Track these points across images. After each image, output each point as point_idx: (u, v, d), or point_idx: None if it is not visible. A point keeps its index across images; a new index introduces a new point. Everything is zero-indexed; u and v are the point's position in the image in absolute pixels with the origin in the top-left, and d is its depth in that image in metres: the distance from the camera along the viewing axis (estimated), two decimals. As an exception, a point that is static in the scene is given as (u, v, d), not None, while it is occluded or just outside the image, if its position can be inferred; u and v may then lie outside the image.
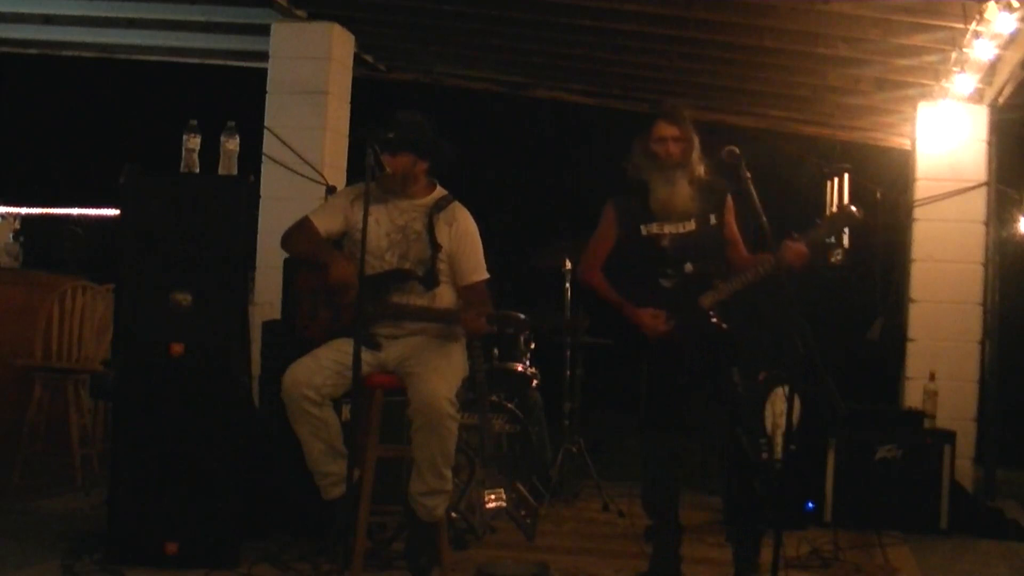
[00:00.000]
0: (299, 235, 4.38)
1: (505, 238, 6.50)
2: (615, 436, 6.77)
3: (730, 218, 4.45)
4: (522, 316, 5.96)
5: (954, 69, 6.00)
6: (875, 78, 6.67)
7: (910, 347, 6.69)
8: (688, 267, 4.34)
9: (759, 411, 6.08)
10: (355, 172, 6.60)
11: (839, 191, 6.99)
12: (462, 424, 4.28)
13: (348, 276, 4.18)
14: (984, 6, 5.19)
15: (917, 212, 6.71)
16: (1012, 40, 5.57)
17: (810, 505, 5.89)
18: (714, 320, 4.32)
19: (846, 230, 6.16)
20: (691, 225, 4.36)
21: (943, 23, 5.66)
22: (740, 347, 4.41)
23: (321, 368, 4.11)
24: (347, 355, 3.91)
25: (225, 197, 4.54)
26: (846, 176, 6.96)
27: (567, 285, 6.27)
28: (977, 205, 6.63)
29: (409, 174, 4.31)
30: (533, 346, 6.33)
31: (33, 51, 7.95)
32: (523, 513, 4.97)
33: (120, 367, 4.58)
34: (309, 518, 4.72)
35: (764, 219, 3.98)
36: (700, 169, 4.40)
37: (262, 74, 6.84)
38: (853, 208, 4.33)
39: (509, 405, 5.70)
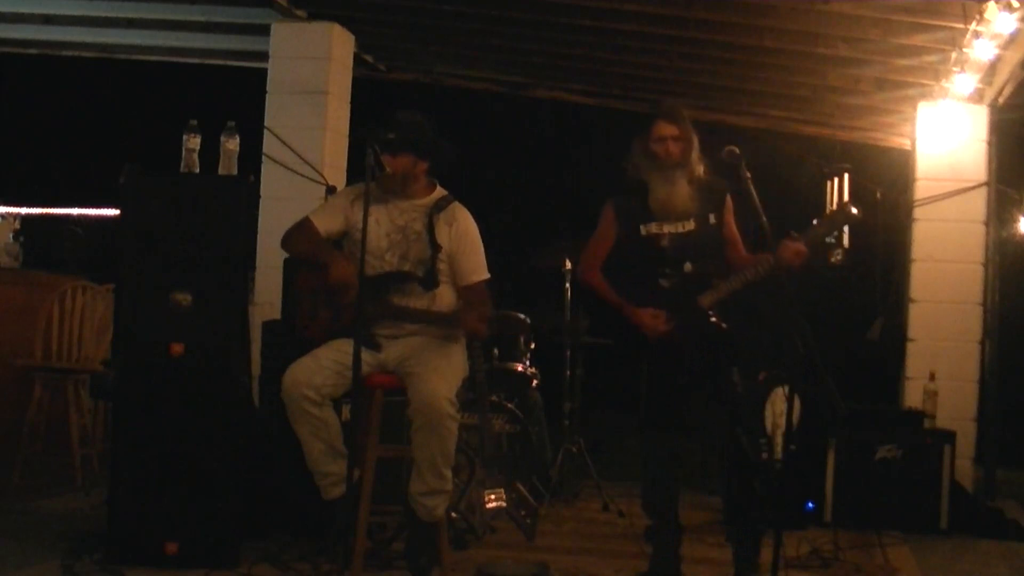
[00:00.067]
0: (299, 235, 4.38)
1: (505, 238, 6.50)
2: (615, 436, 6.77)
3: (729, 218, 4.45)
4: (522, 316, 5.99)
5: (954, 69, 6.01)
6: (875, 78, 6.67)
7: (910, 347, 6.69)
8: (687, 267, 4.34)
9: (759, 411, 6.08)
10: (355, 172, 6.60)
11: (839, 191, 6.99)
12: (462, 424, 4.28)
13: (348, 276, 4.18)
14: (984, 6, 5.19)
15: (917, 212, 6.71)
16: (1012, 40, 5.57)
17: (810, 505, 5.89)
18: (713, 320, 4.32)
19: (846, 230, 6.18)
20: (690, 225, 4.36)
21: (943, 23, 5.66)
22: (740, 347, 4.41)
23: (321, 368, 4.11)
24: (347, 355, 3.91)
25: (225, 197, 4.54)
26: (846, 176, 6.96)
27: (567, 285, 6.27)
28: (977, 205, 6.63)
29: (409, 174, 4.31)
30: (533, 346, 6.33)
31: (33, 51, 7.95)
32: (523, 513, 4.97)
33: (120, 367, 4.58)
34: (309, 518, 4.72)
35: (764, 219, 3.98)
36: (699, 169, 4.40)
37: (262, 74, 6.84)
38: (851, 207, 4.33)
39: (509, 405, 5.70)
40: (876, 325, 7.28)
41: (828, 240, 4.42)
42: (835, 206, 6.51)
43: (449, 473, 4.19)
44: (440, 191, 4.42)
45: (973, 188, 6.62)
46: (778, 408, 6.07)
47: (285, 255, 4.60)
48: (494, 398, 5.61)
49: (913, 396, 6.51)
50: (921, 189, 6.72)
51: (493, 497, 4.96)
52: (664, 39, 6.60)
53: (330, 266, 4.24)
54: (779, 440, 6.02)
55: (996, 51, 5.65)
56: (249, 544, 4.51)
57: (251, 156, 5.63)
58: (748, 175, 4.00)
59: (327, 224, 4.36)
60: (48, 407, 6.10)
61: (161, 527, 4.36)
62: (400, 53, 7.66)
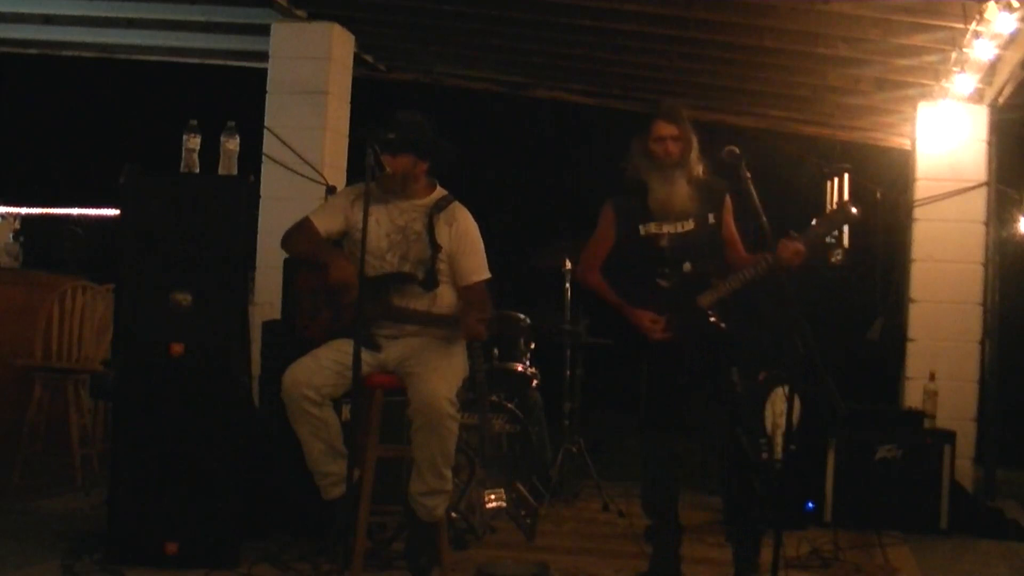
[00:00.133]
0: (299, 235, 4.38)
1: (505, 238, 6.49)
2: (615, 436, 6.77)
3: (728, 218, 4.46)
4: (522, 316, 5.99)
5: (954, 69, 6.01)
6: (875, 78, 6.67)
7: (910, 347, 6.69)
8: (687, 267, 4.34)
9: (759, 411, 6.09)
10: (355, 172, 6.60)
11: (839, 191, 6.99)
12: (462, 424, 4.28)
13: (348, 276, 4.18)
14: (984, 6, 5.19)
15: (917, 212, 6.71)
16: (1012, 40, 5.57)
17: (810, 505, 5.89)
18: (712, 320, 4.32)
19: (846, 229, 6.18)
20: (690, 224, 4.36)
21: (943, 23, 5.66)
22: (740, 347, 4.41)
23: (321, 368, 4.11)
24: (347, 355, 3.91)
25: (225, 197, 4.54)
26: (846, 176, 6.97)
27: (567, 285, 6.27)
28: (977, 205, 6.63)
29: (409, 174, 4.31)
30: (533, 346, 6.33)
31: (33, 51, 7.95)
32: (523, 513, 4.97)
33: (120, 367, 4.58)
34: (309, 518, 4.72)
35: (764, 219, 3.99)
36: (699, 168, 4.40)
37: (262, 74, 6.84)
38: (851, 206, 4.33)
39: (509, 405, 5.70)
40: (876, 325, 7.28)
41: (828, 240, 4.43)
42: (835, 206, 6.51)
43: (449, 473, 4.19)
44: (440, 191, 4.42)
45: (973, 188, 6.62)
46: (778, 408, 6.07)
47: (285, 255, 4.60)
48: (494, 398, 5.61)
49: (913, 396, 6.51)
50: (921, 189, 6.72)
51: (493, 497, 4.96)
52: (664, 39, 6.60)
53: (330, 266, 4.24)
54: (779, 440, 6.02)
55: (996, 51, 5.65)
56: (249, 544, 4.51)
57: (251, 156, 5.63)
58: (748, 175, 4.00)
59: (327, 224, 4.36)
60: (48, 407, 6.10)
61: (161, 527, 4.36)
62: (400, 53, 7.66)
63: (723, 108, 7.66)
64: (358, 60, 7.20)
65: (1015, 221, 7.30)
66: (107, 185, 5.02)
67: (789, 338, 3.88)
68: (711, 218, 4.38)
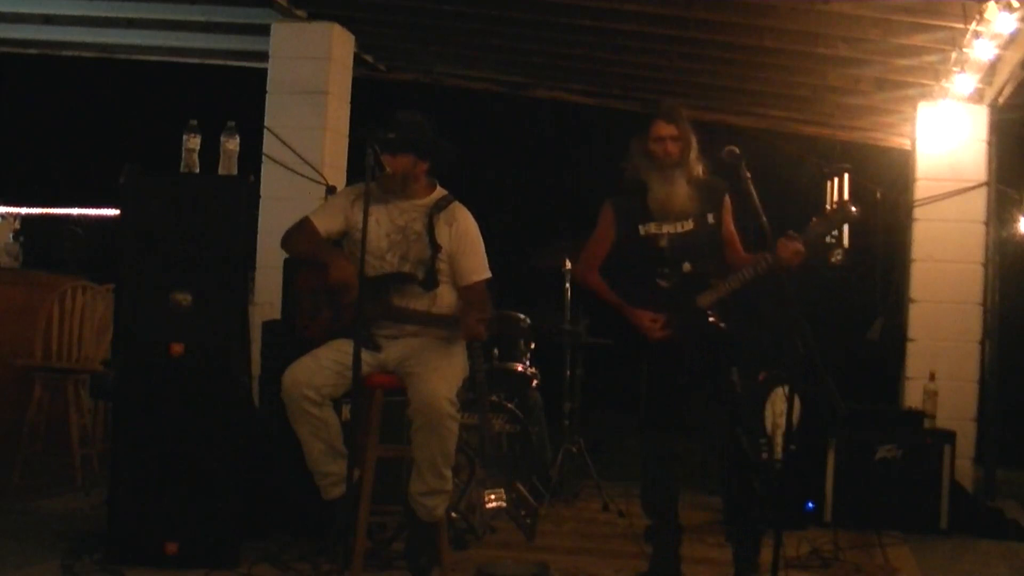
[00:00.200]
0: (299, 235, 4.38)
1: (505, 238, 6.48)
2: (615, 436, 6.77)
3: (728, 218, 4.46)
4: (522, 316, 5.99)
5: (954, 69, 6.01)
6: (875, 78, 6.67)
7: (910, 347, 6.69)
8: (686, 267, 4.34)
9: (759, 411, 6.09)
10: (355, 172, 6.60)
11: (839, 191, 6.99)
12: (462, 424, 4.28)
13: (348, 277, 4.18)
14: (984, 6, 5.19)
15: (917, 212, 6.71)
16: (1012, 40, 5.57)
17: (810, 505, 5.89)
18: (712, 320, 4.32)
19: (846, 229, 6.18)
20: (689, 224, 4.36)
21: (943, 23, 5.66)
22: (740, 347, 4.41)
23: (321, 368, 4.11)
24: (347, 355, 3.92)
25: (225, 197, 4.54)
26: (846, 176, 6.96)
27: (567, 285, 6.28)
28: (977, 205, 6.63)
29: (409, 174, 4.31)
30: (533, 346, 6.33)
31: (33, 51, 7.95)
32: (523, 513, 4.97)
33: (120, 367, 4.58)
34: (309, 518, 4.72)
35: (764, 219, 3.99)
36: (698, 168, 4.40)
37: (262, 74, 6.84)
38: (850, 205, 4.33)
39: (509, 405, 5.70)
40: (876, 325, 7.28)
41: (828, 240, 4.42)
42: (834, 205, 6.51)
43: (449, 473, 4.19)
44: (440, 191, 4.42)
45: (973, 188, 6.62)
46: (778, 408, 6.07)
47: (285, 255, 4.60)
48: (494, 398, 5.61)
49: (913, 396, 6.51)
50: (921, 189, 6.72)
51: (493, 497, 4.95)
52: (664, 39, 6.60)
53: (330, 266, 4.24)
54: (779, 440, 6.02)
55: (996, 51, 5.65)
56: (249, 544, 4.51)
57: (251, 156, 5.63)
58: (748, 175, 4.01)
59: (327, 224, 4.36)
60: (48, 407, 6.10)
61: (161, 527, 4.36)
62: (400, 53, 7.66)
63: (723, 108, 7.66)
64: (358, 60, 7.20)
65: (1015, 221, 7.30)
66: (107, 185, 5.02)
67: (789, 338, 3.88)
68: (710, 218, 4.38)
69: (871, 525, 5.56)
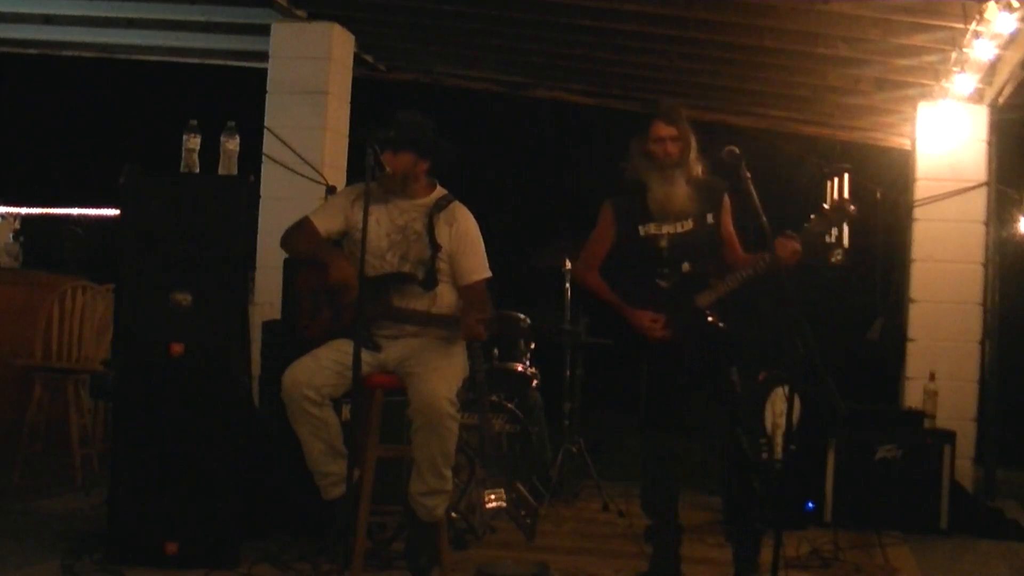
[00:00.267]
0: (299, 235, 4.38)
1: (505, 238, 6.48)
2: (615, 436, 6.77)
3: (726, 218, 4.46)
4: (522, 316, 5.99)
5: (954, 69, 6.01)
6: (875, 78, 6.67)
7: (910, 347, 6.69)
8: (686, 267, 4.35)
9: (759, 411, 6.09)
10: (355, 172, 6.60)
11: (839, 191, 6.98)
12: (462, 424, 4.28)
13: (348, 277, 4.18)
14: (984, 6, 5.19)
15: (917, 212, 6.71)
16: (1012, 40, 5.57)
17: (810, 505, 5.89)
18: (711, 319, 4.32)
19: (846, 229, 6.17)
20: (688, 224, 4.36)
21: (943, 23, 5.66)
22: (739, 346, 4.41)
23: (321, 368, 4.11)
24: (347, 355, 3.92)
25: (225, 197, 4.54)
26: (846, 176, 6.96)
27: (567, 285, 6.28)
28: (977, 205, 6.63)
29: (410, 173, 4.31)
30: (533, 346, 6.33)
31: (33, 51, 7.95)
32: (523, 513, 4.97)
33: (120, 367, 4.58)
34: (309, 518, 4.72)
35: (764, 219, 3.99)
36: (698, 168, 4.40)
37: (262, 74, 6.84)
38: (848, 203, 4.33)
39: (509, 405, 5.70)
40: (876, 325, 7.28)
41: (828, 240, 4.42)
42: (830, 203, 6.52)
43: (449, 473, 4.19)
44: (440, 191, 4.42)
45: (973, 188, 6.62)
46: (778, 408, 6.07)
47: (285, 255, 4.60)
48: (494, 398, 5.61)
49: (913, 396, 6.51)
50: (921, 189, 6.72)
51: (493, 497, 4.95)
52: (664, 39, 6.60)
53: (330, 266, 4.24)
54: (779, 440, 6.02)
55: (996, 51, 5.65)
56: (249, 544, 4.51)
57: (251, 156, 5.63)
58: (748, 175, 4.01)
59: (327, 224, 4.36)
60: (48, 407, 6.10)
61: (161, 527, 4.36)
62: (400, 53, 7.66)
63: (723, 108, 7.66)
64: (358, 60, 7.20)
65: (1015, 221, 7.30)
66: (107, 185, 5.02)
67: (789, 338, 3.88)
68: (709, 218, 4.39)
69: (871, 525, 5.56)
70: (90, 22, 7.38)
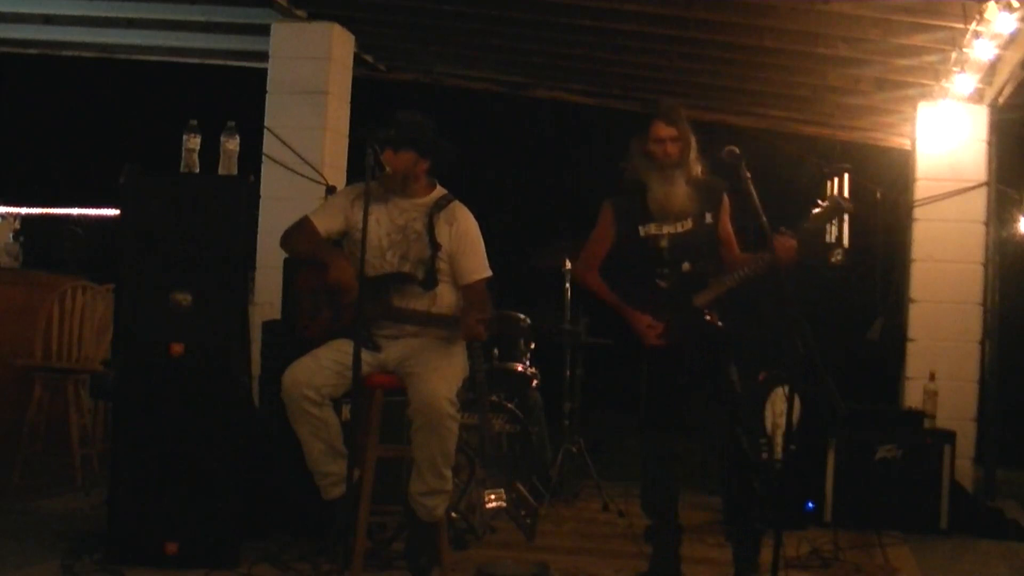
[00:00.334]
0: (299, 235, 4.37)
1: (505, 238, 6.49)
2: (615, 436, 6.77)
3: (725, 218, 4.46)
4: (522, 316, 5.99)
5: (954, 69, 6.01)
6: (875, 78, 6.67)
7: (910, 347, 6.69)
8: (685, 266, 4.35)
9: (759, 411, 6.09)
10: (355, 172, 6.60)
11: (839, 191, 6.99)
12: (462, 424, 4.28)
13: (347, 277, 4.18)
14: (984, 6, 5.19)
15: (917, 212, 6.71)
16: (1012, 40, 5.57)
17: (810, 505, 5.89)
18: (709, 319, 4.32)
19: (846, 229, 6.18)
20: (688, 224, 4.36)
21: (943, 23, 5.66)
22: (739, 346, 4.41)
23: (321, 368, 4.11)
24: (347, 355, 3.92)
25: (225, 197, 4.54)
26: (846, 176, 6.96)
27: (567, 285, 6.28)
28: (977, 205, 6.63)
29: (410, 173, 4.31)
30: (533, 346, 6.33)
31: (33, 51, 7.96)
32: (523, 513, 4.97)
33: (120, 367, 4.58)
34: (309, 518, 4.72)
35: (764, 219, 3.99)
36: (697, 168, 4.40)
37: (262, 74, 6.84)
38: (844, 199, 4.33)
39: (509, 405, 5.70)
40: (876, 325, 7.28)
41: (828, 240, 4.42)
42: (827, 200, 6.53)
43: (449, 473, 4.19)
44: (440, 190, 4.42)
45: (973, 188, 6.62)
46: (778, 408, 6.07)
47: (285, 255, 4.60)
48: (494, 398, 5.61)
49: (913, 396, 6.51)
50: (921, 189, 6.72)
51: (493, 497, 4.96)
52: (664, 39, 6.60)
53: (330, 266, 4.24)
54: (779, 440, 6.02)
55: (996, 51, 5.65)
56: (249, 544, 4.51)
57: (251, 156, 5.63)
58: (748, 175, 4.01)
59: (327, 224, 4.36)
60: (48, 407, 6.10)
61: (161, 527, 4.36)
62: (400, 53, 7.66)
63: (723, 108, 7.66)
64: (358, 60, 7.20)
65: (1015, 221, 7.30)
66: (107, 185, 5.02)
67: (789, 338, 3.88)
68: (708, 217, 4.39)
69: (871, 525, 5.56)
70: (90, 22, 7.38)
